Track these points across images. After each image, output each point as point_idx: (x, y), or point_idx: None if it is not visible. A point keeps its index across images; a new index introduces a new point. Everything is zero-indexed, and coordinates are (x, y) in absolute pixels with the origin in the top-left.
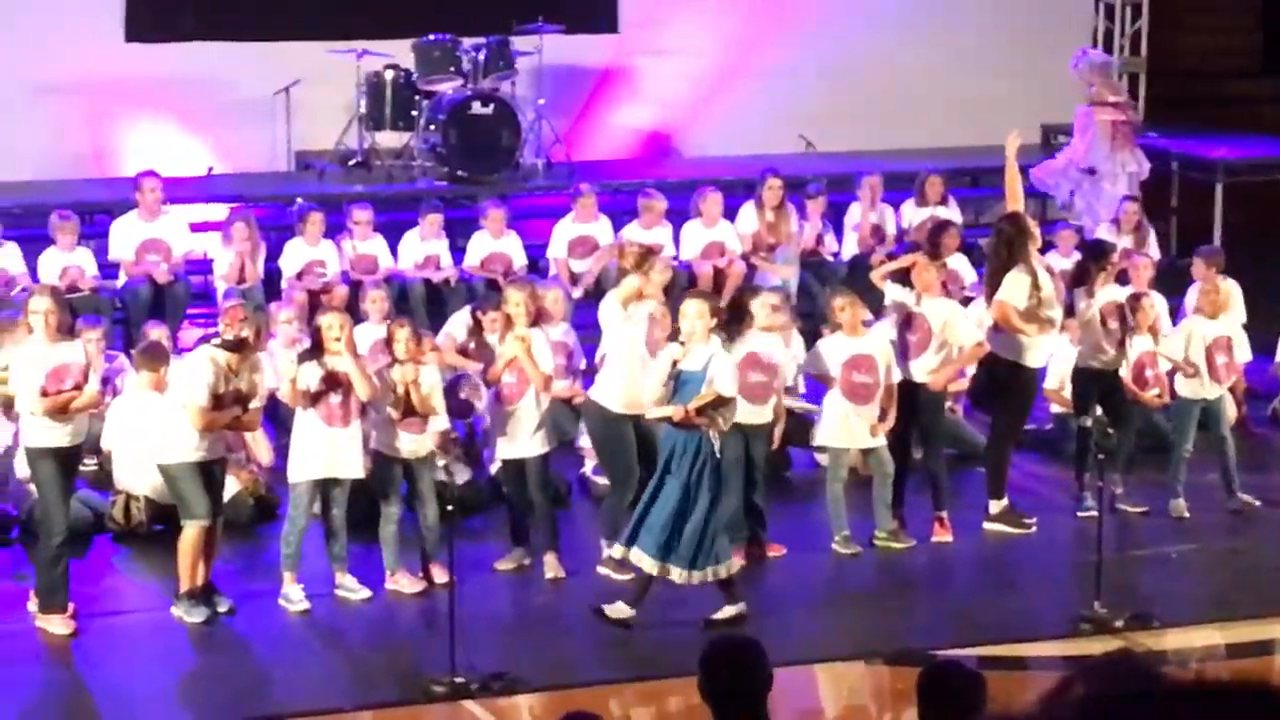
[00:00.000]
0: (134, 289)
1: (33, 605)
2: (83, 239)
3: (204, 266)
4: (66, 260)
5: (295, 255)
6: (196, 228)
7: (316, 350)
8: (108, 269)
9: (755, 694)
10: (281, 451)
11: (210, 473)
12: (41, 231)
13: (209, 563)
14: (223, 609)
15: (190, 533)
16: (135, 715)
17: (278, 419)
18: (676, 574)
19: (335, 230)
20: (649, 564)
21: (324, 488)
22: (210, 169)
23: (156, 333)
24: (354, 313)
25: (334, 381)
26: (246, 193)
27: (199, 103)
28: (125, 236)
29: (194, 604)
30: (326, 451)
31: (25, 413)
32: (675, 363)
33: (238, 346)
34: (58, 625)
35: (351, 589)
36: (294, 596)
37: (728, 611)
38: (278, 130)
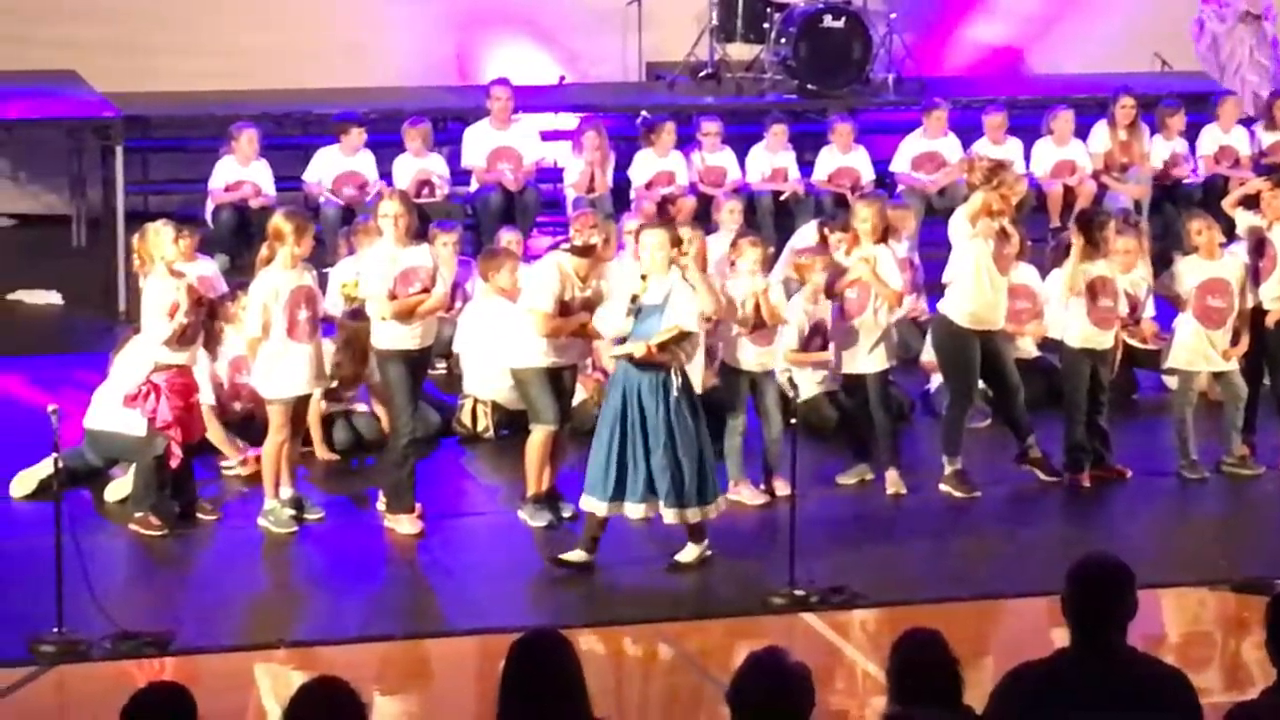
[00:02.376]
0: (485, 196)
1: (381, 505)
2: (437, 145)
3: (554, 175)
4: (419, 166)
5: (645, 166)
6: (547, 136)
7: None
8: (460, 176)
9: (1120, 618)
10: None
11: (560, 379)
12: (398, 137)
13: (555, 468)
14: (567, 514)
15: (538, 437)
16: (479, 616)
17: None
18: (669, 514)
19: (684, 142)
20: (635, 510)
21: None
22: (562, 78)
23: (508, 238)
24: (702, 224)
25: None
26: (597, 102)
27: (553, 12)
28: (477, 144)
29: (539, 508)
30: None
31: (374, 316)
32: (635, 297)
33: (586, 252)
34: (405, 525)
35: None
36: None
37: (693, 552)
38: (629, 41)
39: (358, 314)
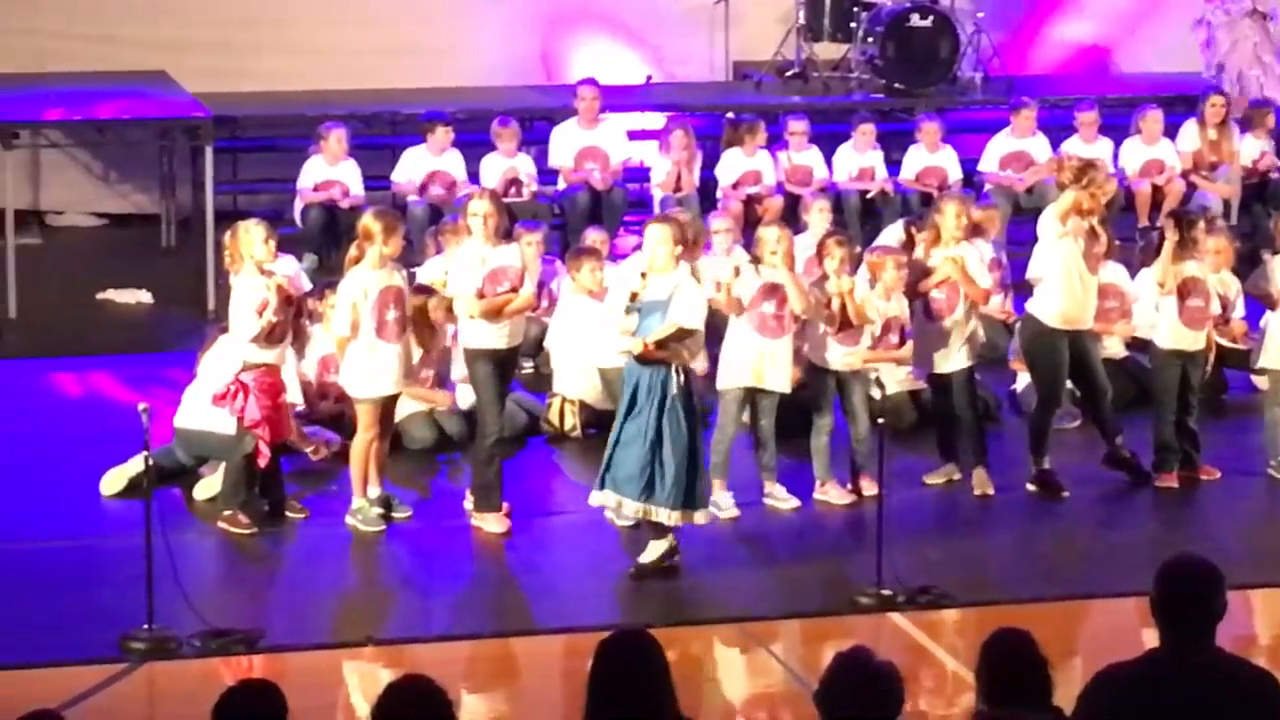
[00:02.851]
0: (572, 195)
1: (468, 504)
2: (524, 145)
3: (641, 174)
4: (507, 166)
5: (732, 165)
6: (634, 136)
7: (755, 260)
8: (548, 175)
9: (1210, 619)
10: (714, 360)
11: None
12: (485, 137)
13: None
14: None
15: None
16: (566, 615)
17: (711, 327)
18: (663, 515)
19: (771, 141)
20: (631, 507)
21: (753, 397)
22: (649, 78)
23: (594, 237)
24: (789, 223)
25: (769, 291)
26: (684, 102)
27: (640, 12)
28: (564, 144)
29: None
30: (755, 360)
31: (462, 314)
32: (634, 295)
33: None
34: (492, 524)
35: (780, 498)
36: (723, 504)
37: (658, 549)
38: (716, 40)
39: (423, 288)
